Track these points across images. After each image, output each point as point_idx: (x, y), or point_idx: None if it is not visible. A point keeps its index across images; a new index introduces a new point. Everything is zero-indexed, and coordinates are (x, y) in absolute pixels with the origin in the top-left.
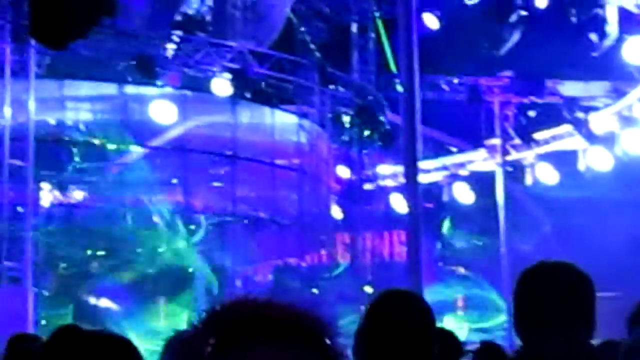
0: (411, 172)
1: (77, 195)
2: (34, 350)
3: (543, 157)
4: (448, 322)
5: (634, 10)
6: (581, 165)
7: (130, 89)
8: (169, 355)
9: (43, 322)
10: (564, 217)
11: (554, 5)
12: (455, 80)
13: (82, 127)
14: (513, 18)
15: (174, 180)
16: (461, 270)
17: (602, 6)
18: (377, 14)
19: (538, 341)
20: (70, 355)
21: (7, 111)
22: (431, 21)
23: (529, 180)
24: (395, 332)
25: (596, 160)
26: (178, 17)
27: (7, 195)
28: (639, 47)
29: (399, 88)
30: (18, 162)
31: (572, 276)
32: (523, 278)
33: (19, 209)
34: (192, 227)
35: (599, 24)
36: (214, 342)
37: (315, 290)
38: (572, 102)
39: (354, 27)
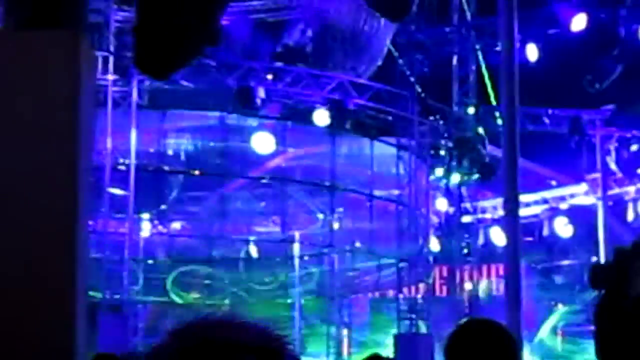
0: (511, 205)
1: (177, 225)
2: None
3: None
4: None
5: None
6: None
7: (231, 120)
8: None
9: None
10: None
11: None
12: (557, 113)
13: (182, 157)
14: (616, 51)
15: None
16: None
17: None
18: (477, 46)
19: None
20: None
21: (109, 141)
22: (532, 52)
23: (630, 215)
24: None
25: None
26: (279, 48)
27: (108, 224)
28: None
29: (499, 120)
30: (119, 192)
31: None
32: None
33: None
34: (291, 257)
35: None
36: None
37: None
38: None
39: (454, 59)
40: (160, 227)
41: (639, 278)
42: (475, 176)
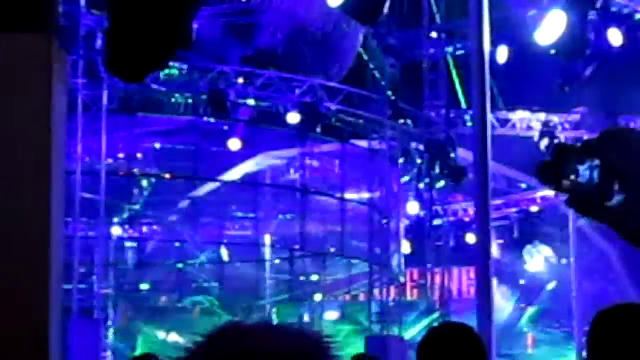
0: (482, 208)
1: (147, 229)
2: None
3: None
4: None
5: None
6: None
7: (202, 124)
8: None
9: (108, 353)
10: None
11: (629, 43)
12: (527, 116)
13: (154, 163)
14: (586, 55)
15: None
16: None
17: None
18: (449, 49)
19: None
20: None
21: (79, 146)
22: (502, 55)
23: None
24: None
25: None
26: (249, 52)
27: (79, 229)
28: None
29: (470, 124)
30: (89, 196)
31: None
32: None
33: (90, 242)
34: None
35: None
36: None
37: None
38: None
39: (425, 63)
40: (130, 232)
41: (571, 176)
42: (445, 180)
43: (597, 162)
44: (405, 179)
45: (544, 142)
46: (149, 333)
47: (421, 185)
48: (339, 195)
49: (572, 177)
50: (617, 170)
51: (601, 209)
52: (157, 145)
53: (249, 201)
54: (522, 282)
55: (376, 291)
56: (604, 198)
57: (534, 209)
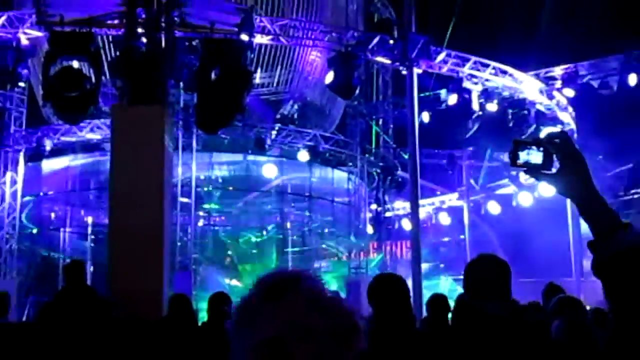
0: (414, 206)
1: (218, 219)
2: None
3: (491, 197)
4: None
5: (546, 111)
6: (514, 203)
7: (250, 157)
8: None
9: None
10: (500, 230)
11: (501, 109)
12: (440, 152)
13: (220, 180)
14: (474, 116)
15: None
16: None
17: (528, 110)
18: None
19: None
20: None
21: (179, 170)
22: (425, 117)
23: (482, 211)
24: (386, 295)
25: (523, 200)
26: (278, 115)
27: (179, 219)
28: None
29: (406, 156)
30: (185, 200)
31: (497, 262)
32: (469, 265)
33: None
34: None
35: (525, 120)
36: (260, 295)
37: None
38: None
39: (381, 121)
40: (209, 221)
41: (525, 156)
42: (392, 189)
43: (541, 148)
44: (369, 189)
45: None
46: (219, 281)
47: (379, 193)
48: (330, 198)
49: (526, 156)
50: (553, 151)
51: (545, 175)
52: (224, 170)
53: (275, 201)
54: None
55: (353, 254)
56: (547, 168)
57: (444, 206)
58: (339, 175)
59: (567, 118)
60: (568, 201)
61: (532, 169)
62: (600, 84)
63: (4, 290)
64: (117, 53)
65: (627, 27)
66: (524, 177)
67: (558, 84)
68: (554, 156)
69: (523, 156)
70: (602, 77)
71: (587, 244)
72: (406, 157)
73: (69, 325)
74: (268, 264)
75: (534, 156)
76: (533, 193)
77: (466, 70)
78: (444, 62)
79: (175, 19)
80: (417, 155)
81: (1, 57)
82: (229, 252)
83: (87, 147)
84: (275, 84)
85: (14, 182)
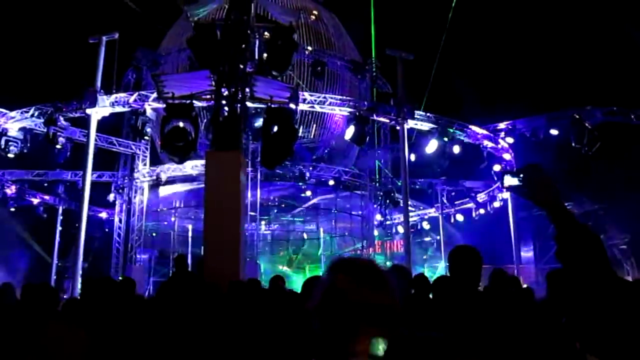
0: (405, 217)
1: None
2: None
3: (458, 211)
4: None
5: (494, 153)
6: (474, 214)
7: (296, 185)
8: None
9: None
10: (464, 232)
11: (462, 151)
12: (423, 182)
13: (276, 200)
14: (446, 156)
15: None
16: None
17: (482, 151)
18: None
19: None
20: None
21: (248, 195)
22: (412, 157)
23: (452, 220)
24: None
25: (479, 211)
26: (314, 157)
27: (246, 227)
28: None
29: (400, 184)
30: (252, 213)
31: (472, 252)
32: (451, 253)
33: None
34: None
35: (480, 158)
36: (336, 277)
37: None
38: (470, 190)
39: (383, 160)
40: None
41: (511, 181)
42: (391, 205)
43: (520, 175)
44: (375, 206)
45: None
46: (275, 268)
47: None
48: (349, 212)
49: (510, 181)
50: (527, 177)
51: (523, 192)
52: (279, 194)
53: (312, 215)
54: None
55: (365, 251)
56: (524, 188)
57: (426, 217)
58: (355, 197)
59: (509, 157)
60: (510, 212)
61: (514, 189)
62: (531, 134)
63: (129, 277)
64: (209, 116)
65: (550, 93)
66: (480, 197)
67: (502, 134)
68: (528, 180)
69: (508, 181)
70: (532, 130)
71: (553, 238)
72: (399, 184)
73: (181, 299)
74: (311, 256)
75: (515, 180)
76: (486, 208)
77: (439, 126)
78: (425, 120)
79: (247, 94)
80: (407, 183)
81: (134, 120)
82: (280, 248)
83: (189, 178)
84: (312, 136)
85: (141, 202)
